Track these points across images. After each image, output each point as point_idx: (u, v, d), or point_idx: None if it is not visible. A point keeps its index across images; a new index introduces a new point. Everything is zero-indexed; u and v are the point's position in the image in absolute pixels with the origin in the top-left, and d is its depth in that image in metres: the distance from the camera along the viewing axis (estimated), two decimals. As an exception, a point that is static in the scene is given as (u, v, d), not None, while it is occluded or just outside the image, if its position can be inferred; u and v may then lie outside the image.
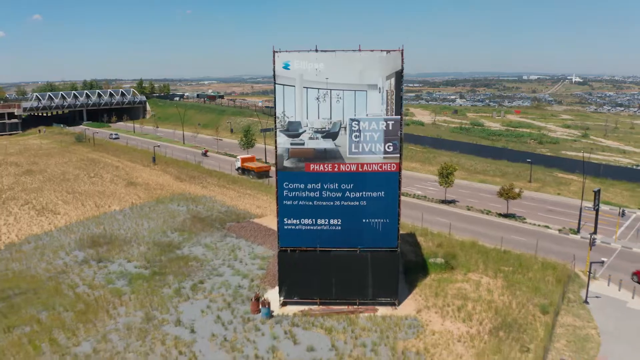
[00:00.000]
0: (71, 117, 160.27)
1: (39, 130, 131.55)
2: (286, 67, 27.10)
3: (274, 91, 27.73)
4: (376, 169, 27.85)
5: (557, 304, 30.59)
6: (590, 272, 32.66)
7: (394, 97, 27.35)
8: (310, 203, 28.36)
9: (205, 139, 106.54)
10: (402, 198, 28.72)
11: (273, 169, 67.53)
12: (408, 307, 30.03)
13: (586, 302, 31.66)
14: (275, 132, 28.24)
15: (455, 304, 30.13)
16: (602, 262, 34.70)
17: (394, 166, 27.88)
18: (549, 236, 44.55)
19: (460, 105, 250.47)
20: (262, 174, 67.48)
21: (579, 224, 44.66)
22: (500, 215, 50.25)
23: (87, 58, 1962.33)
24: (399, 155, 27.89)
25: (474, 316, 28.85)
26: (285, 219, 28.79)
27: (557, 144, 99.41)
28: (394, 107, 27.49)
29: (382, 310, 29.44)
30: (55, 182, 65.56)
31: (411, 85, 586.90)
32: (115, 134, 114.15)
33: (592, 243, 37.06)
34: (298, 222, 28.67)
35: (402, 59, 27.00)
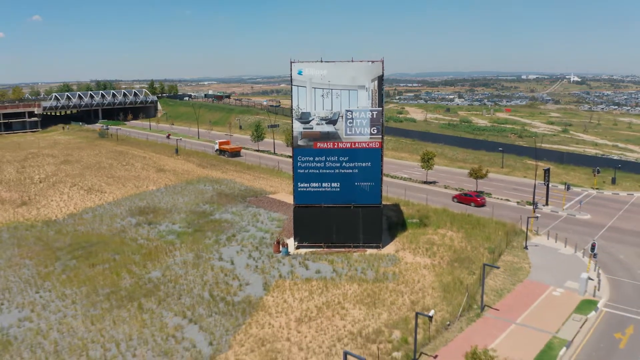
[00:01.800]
0: (86, 115, 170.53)
1: (62, 127, 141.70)
2: (300, 73, 37.67)
3: (290, 91, 38.26)
4: (364, 146, 38.41)
5: (502, 248, 41.08)
6: (527, 226, 43.17)
7: (377, 94, 37.88)
8: (317, 171, 38.91)
9: (217, 134, 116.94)
10: (391, 180, 38.64)
11: (243, 150, 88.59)
12: (389, 249, 40.57)
13: (526, 248, 42.07)
14: (292, 119, 38.78)
15: (424, 247, 40.65)
16: (537, 217, 45.34)
17: (377, 144, 38.44)
18: (508, 207, 55.04)
19: (458, 104, 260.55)
20: (234, 153, 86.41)
21: (533, 197, 55.05)
22: (472, 191, 60.62)
23: (85, 59, 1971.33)
24: (380, 136, 38.43)
25: (437, 254, 39.37)
26: (299, 184, 39.36)
27: (535, 137, 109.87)
28: (377, 102, 38.03)
29: (370, 251, 39.98)
30: (93, 170, 76.03)
31: (410, 85, 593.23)
32: (107, 127, 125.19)
33: (535, 207, 47.67)
34: (308, 186, 39.22)
35: (383, 67, 37.53)
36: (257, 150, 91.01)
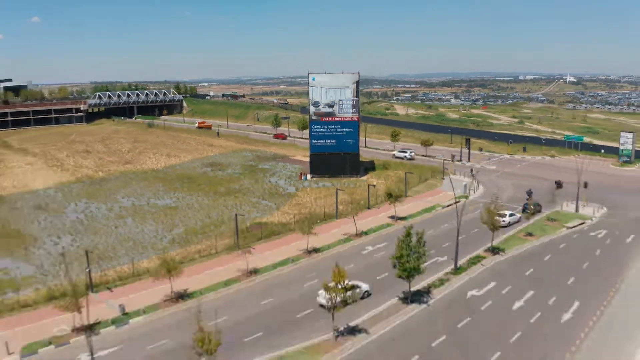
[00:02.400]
0: (122, 112, 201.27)
1: (112, 120, 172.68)
2: (313, 79, 68.85)
3: (308, 91, 69.34)
4: (348, 119, 69.57)
5: (427, 176, 72.09)
6: (445, 168, 74.18)
7: (356, 91, 69.11)
8: (323, 133, 70.00)
9: (240, 125, 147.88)
10: (374, 151, 68.52)
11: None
12: (364, 177, 71.73)
13: (443, 178, 72.93)
14: (309, 105, 69.98)
15: (383, 176, 71.78)
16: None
17: (355, 118, 69.71)
18: (445, 163, 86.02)
19: (452, 104, 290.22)
20: (207, 128, 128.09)
21: (461, 156, 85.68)
22: (423, 155, 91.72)
23: (85, 60, 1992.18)
24: (358, 114, 69.65)
25: (389, 179, 70.42)
26: (313, 141, 70.68)
27: (489, 126, 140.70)
28: (356, 95, 69.25)
29: (352, 178, 71.11)
30: (160, 146, 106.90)
31: (408, 86, 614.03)
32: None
33: (453, 160, 78.93)
34: (318, 142, 70.38)
35: (359, 76, 68.71)
36: (275, 135, 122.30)
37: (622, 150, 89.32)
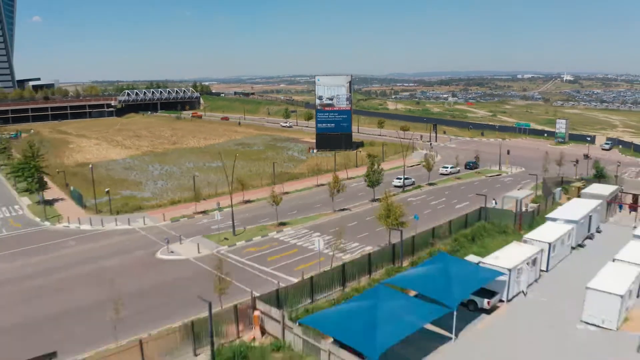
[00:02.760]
0: (146, 107, 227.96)
1: (142, 114, 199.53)
2: (318, 80, 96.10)
3: (309, 89, 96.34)
4: (343, 108, 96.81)
5: (402, 151, 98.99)
6: (415, 146, 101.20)
7: (349, 88, 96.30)
8: (325, 118, 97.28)
9: (254, 118, 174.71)
10: (364, 136, 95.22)
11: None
12: (357, 148, 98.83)
13: (412, 152, 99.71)
14: (315, 99, 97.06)
15: (368, 148, 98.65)
16: (421, 137, 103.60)
17: (349, 108, 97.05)
18: (418, 144, 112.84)
19: (448, 102, 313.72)
20: (198, 117, 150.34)
21: (430, 139, 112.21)
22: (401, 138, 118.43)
23: (85, 59, 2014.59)
24: (350, 105, 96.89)
25: (373, 151, 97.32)
26: (318, 124, 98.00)
27: (465, 118, 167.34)
28: (350, 91, 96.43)
29: (347, 151, 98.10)
30: (196, 132, 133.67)
31: (407, 84, 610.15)
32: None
33: (421, 139, 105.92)
34: (321, 125, 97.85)
35: (351, 77, 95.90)
36: (284, 125, 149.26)
37: (557, 133, 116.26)
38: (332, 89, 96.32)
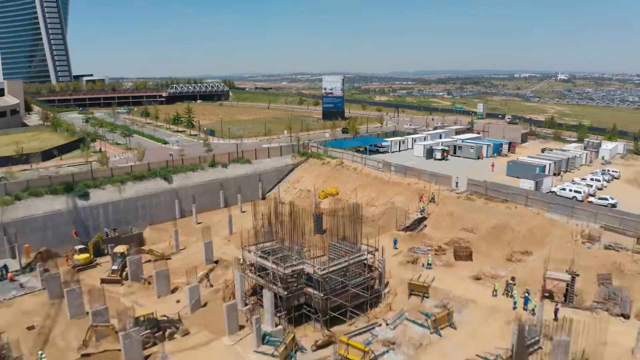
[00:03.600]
0: (186, 98, 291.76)
1: (188, 103, 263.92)
2: (324, 77, 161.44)
3: (322, 83, 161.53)
4: (338, 95, 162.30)
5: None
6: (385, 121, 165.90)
7: (343, 83, 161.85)
8: (328, 101, 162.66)
9: (276, 106, 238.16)
10: (351, 113, 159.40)
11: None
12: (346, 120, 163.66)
13: (386, 124, 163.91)
14: (322, 90, 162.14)
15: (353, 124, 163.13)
16: (387, 114, 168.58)
17: (341, 95, 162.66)
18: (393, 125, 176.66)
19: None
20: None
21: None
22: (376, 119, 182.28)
23: (86, 58, 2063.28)
24: (343, 93, 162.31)
25: (357, 122, 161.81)
26: (324, 105, 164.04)
27: (437, 110, 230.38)
28: (343, 85, 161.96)
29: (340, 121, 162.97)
30: (241, 113, 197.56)
31: (405, 83, 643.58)
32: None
33: (387, 116, 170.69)
34: (326, 105, 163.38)
35: (343, 77, 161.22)
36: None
37: (478, 112, 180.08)
38: (332, 83, 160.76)
